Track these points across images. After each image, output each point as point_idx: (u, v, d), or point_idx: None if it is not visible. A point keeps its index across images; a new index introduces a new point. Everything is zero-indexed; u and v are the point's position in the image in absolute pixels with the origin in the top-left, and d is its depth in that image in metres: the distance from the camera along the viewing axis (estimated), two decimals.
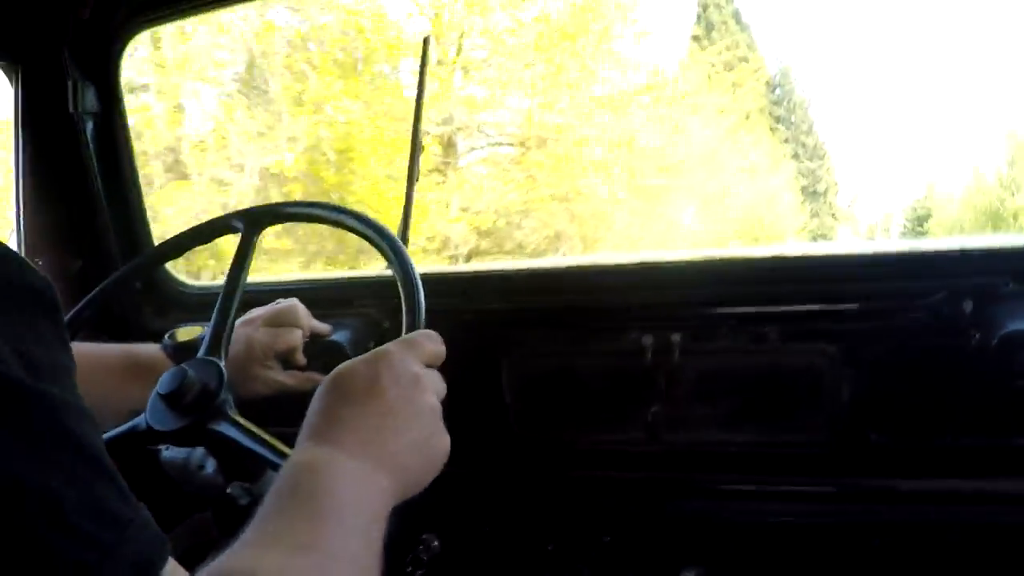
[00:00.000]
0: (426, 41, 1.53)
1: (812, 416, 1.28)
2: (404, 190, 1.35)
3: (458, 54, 10.68)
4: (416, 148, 1.35)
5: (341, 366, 0.73)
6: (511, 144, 11.18)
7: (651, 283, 1.29)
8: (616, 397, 1.32)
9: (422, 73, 1.39)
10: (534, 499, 1.33)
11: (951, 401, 1.26)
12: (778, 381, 1.28)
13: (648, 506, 1.32)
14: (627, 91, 11.59)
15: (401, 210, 1.32)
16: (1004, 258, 1.22)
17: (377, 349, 0.76)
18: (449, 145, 10.63)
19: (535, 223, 10.73)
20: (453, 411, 1.34)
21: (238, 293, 1.09)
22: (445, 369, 1.26)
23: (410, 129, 1.34)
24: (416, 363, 0.76)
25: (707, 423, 1.31)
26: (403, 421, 0.71)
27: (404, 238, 1.37)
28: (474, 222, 10.38)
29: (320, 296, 1.39)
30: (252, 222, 1.16)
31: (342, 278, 1.56)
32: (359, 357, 0.74)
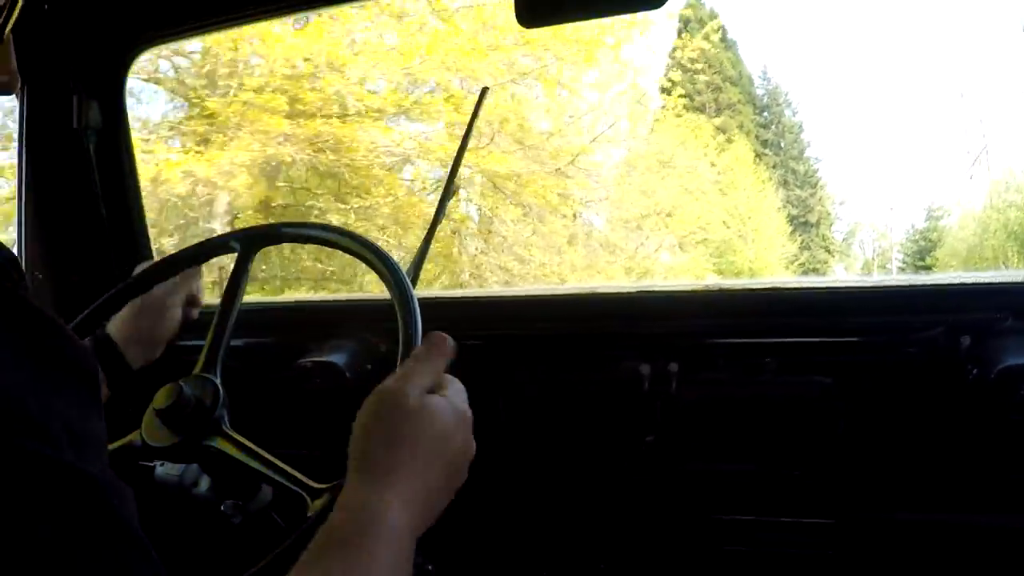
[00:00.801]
0: (484, 91, 1.51)
1: (807, 448, 1.28)
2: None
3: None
4: (448, 192, 1.35)
5: (382, 399, 0.75)
6: None
7: (650, 312, 1.29)
8: (613, 425, 1.31)
9: (471, 122, 1.40)
10: (529, 526, 1.32)
11: (948, 435, 1.26)
12: (774, 412, 1.28)
13: (644, 535, 1.31)
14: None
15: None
16: (1003, 294, 1.23)
17: (407, 381, 0.77)
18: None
19: None
20: None
21: (233, 312, 1.10)
22: None
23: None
24: (441, 389, 0.80)
25: (703, 453, 1.31)
26: (442, 463, 0.75)
27: (415, 277, 1.38)
28: None
29: (318, 318, 1.39)
30: (249, 242, 1.17)
31: (340, 301, 1.56)
32: (399, 390, 0.75)
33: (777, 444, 1.29)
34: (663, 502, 1.32)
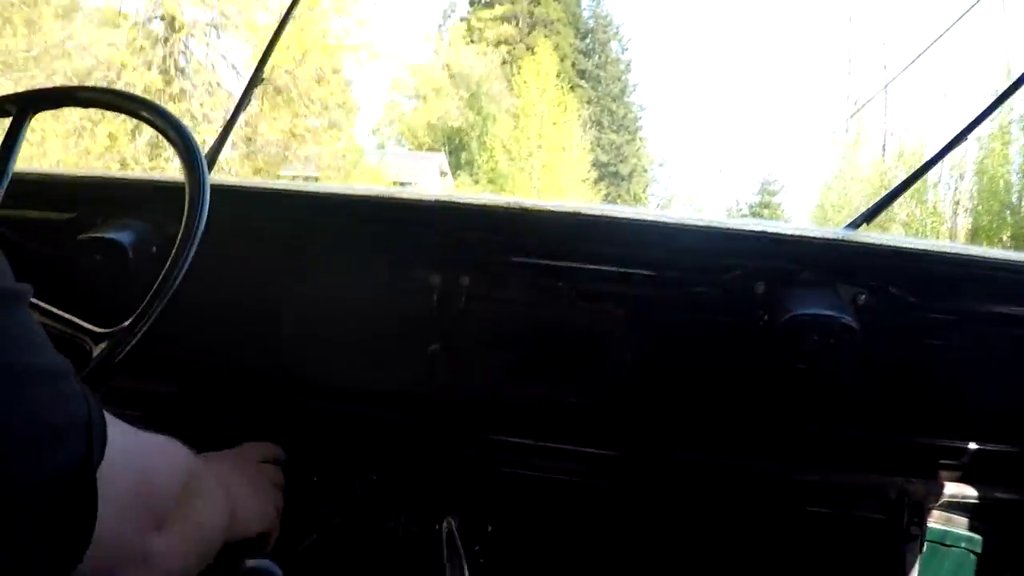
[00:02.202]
0: None
1: (593, 378, 1.25)
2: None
3: None
4: (255, 80, 1.29)
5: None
6: None
7: (446, 222, 1.23)
8: (397, 336, 1.27)
9: (285, 17, 1.34)
10: (302, 432, 1.28)
11: (733, 379, 1.25)
12: (564, 339, 1.25)
13: (419, 450, 1.28)
14: None
15: None
16: (803, 246, 1.20)
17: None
18: None
19: None
20: (224, 335, 1.31)
21: (4, 180, 1.04)
22: (221, 288, 1.21)
23: None
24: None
25: (488, 373, 1.27)
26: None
27: (212, 160, 1.32)
28: None
29: (104, 195, 1.31)
30: (26, 105, 1.09)
31: (129, 178, 1.47)
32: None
33: (564, 371, 1.26)
34: (442, 419, 1.29)
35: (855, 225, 1.27)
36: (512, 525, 1.26)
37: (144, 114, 1.07)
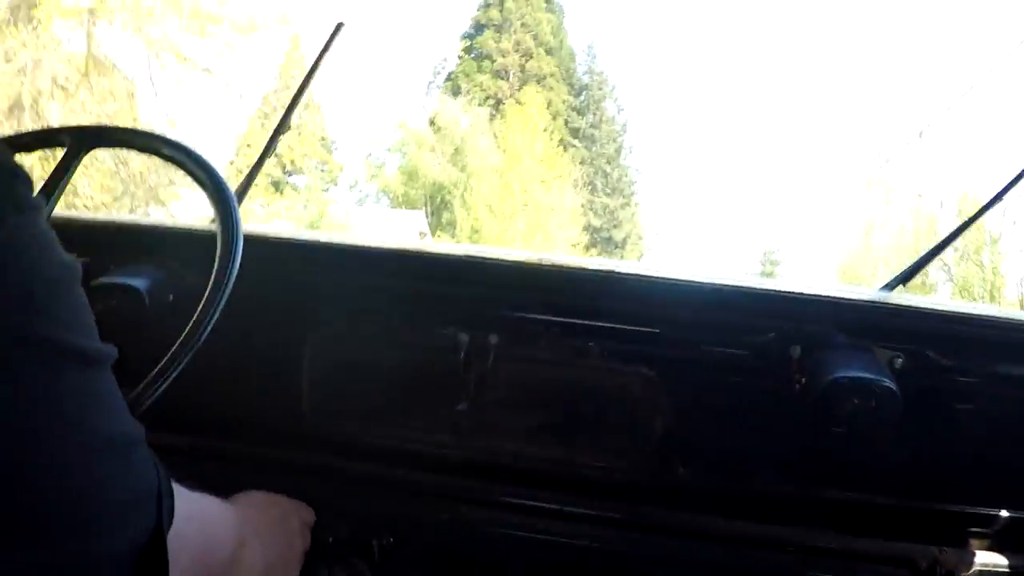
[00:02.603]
0: (338, 27, 1.42)
1: (622, 441, 1.22)
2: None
3: None
4: (283, 125, 1.27)
5: None
6: None
7: (475, 278, 1.20)
8: (422, 395, 1.23)
9: (319, 58, 1.32)
10: (321, 491, 1.23)
11: (766, 445, 1.22)
12: (592, 400, 1.22)
13: (439, 512, 1.24)
14: None
15: None
16: (837, 308, 1.18)
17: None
18: None
19: None
20: (245, 389, 1.27)
21: (46, 213, 1.01)
22: (242, 341, 1.18)
23: None
24: None
25: (513, 433, 1.24)
26: None
27: (241, 197, 1.29)
28: None
29: (119, 240, 1.27)
30: (81, 140, 1.07)
31: (146, 224, 1.43)
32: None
33: (592, 434, 1.23)
34: (464, 480, 1.25)
35: (891, 287, 1.25)
36: None
37: (189, 166, 1.05)
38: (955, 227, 1.37)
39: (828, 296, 1.19)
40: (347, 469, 1.26)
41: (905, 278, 1.29)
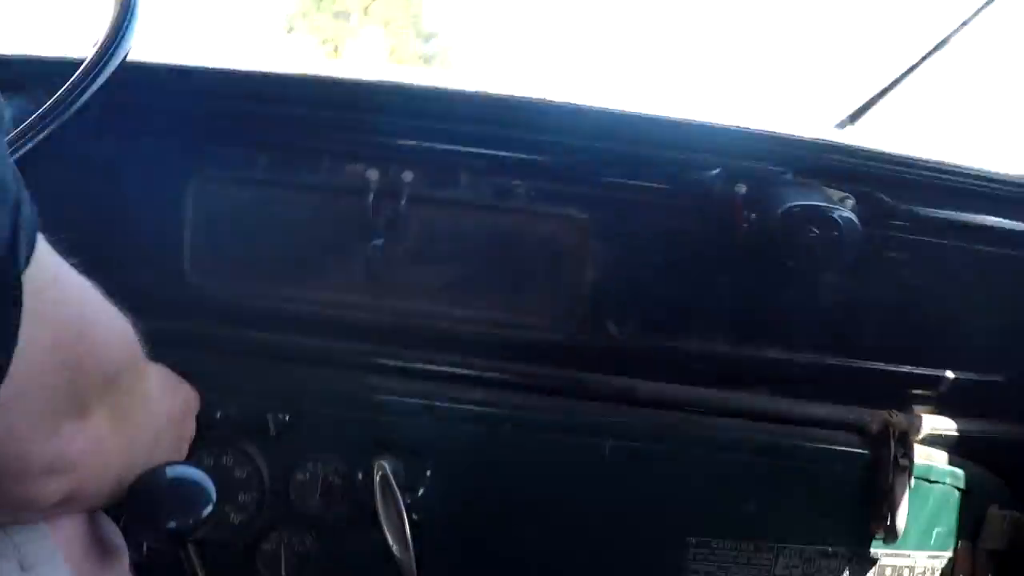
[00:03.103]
0: None
1: (549, 297, 1.10)
2: None
3: None
4: None
5: None
6: None
7: (384, 105, 1.04)
8: (323, 247, 1.08)
9: None
10: (206, 364, 1.05)
11: (708, 299, 1.11)
12: (516, 250, 1.09)
13: (344, 383, 1.08)
14: None
15: None
16: (786, 145, 1.09)
17: None
18: None
19: None
20: (116, 244, 1.07)
21: None
22: (114, 188, 1.00)
23: None
24: None
25: (429, 290, 1.09)
26: None
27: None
28: None
29: None
30: None
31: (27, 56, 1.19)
32: None
33: (512, 288, 1.10)
34: (371, 345, 1.09)
35: (841, 125, 1.16)
36: (455, 467, 1.07)
37: None
38: (906, 67, 1.29)
39: (776, 133, 1.09)
40: (236, 337, 1.09)
41: (855, 117, 1.20)
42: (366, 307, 1.09)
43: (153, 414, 0.70)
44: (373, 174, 1.03)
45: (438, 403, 1.07)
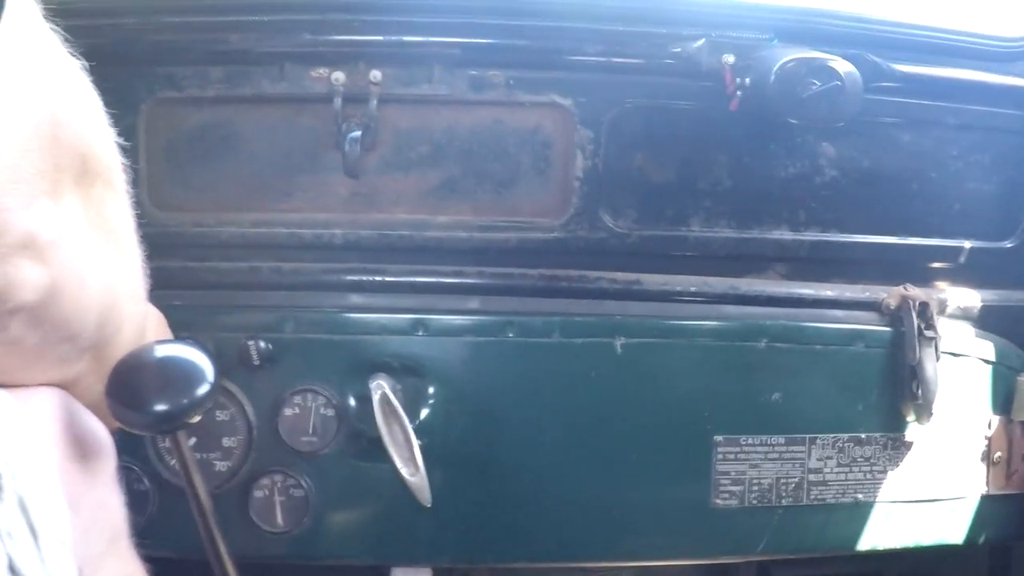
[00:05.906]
0: None
1: (539, 193, 1.03)
2: None
3: None
4: None
5: None
6: None
7: (346, 4, 0.97)
8: (289, 163, 1.00)
9: None
10: (177, 296, 0.95)
11: (705, 180, 1.05)
12: (499, 146, 1.02)
13: (327, 303, 0.99)
14: None
15: None
16: (769, 12, 1.04)
17: None
18: None
19: None
20: None
21: None
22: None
23: None
24: None
25: (407, 199, 1.02)
26: None
27: None
28: None
29: None
30: None
31: None
32: None
33: (499, 186, 1.03)
34: (351, 262, 1.01)
35: None
36: (457, 384, 0.98)
37: None
38: None
39: (757, 1, 1.04)
40: (205, 270, 1.00)
41: None
42: (343, 223, 1.01)
43: (129, 232, 0.61)
44: (339, 77, 0.96)
45: (432, 316, 0.98)
